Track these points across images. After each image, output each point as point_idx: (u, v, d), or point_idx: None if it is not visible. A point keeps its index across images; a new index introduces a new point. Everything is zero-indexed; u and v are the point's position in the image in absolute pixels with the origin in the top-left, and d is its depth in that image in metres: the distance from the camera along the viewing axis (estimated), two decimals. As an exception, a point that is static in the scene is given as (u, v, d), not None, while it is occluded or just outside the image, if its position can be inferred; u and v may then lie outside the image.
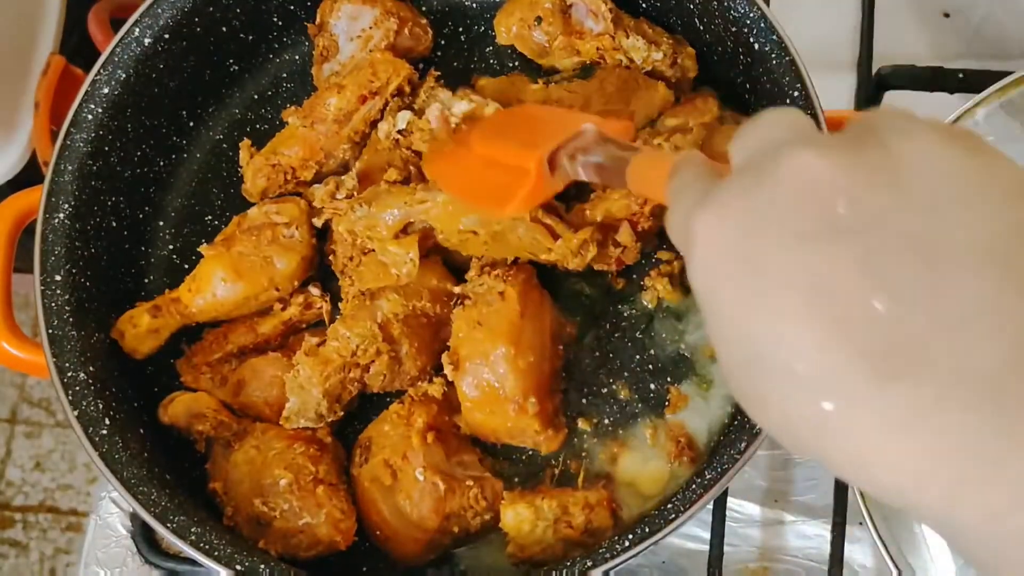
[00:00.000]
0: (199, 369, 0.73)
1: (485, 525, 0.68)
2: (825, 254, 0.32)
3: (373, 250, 0.71)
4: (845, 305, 0.32)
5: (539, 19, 0.77)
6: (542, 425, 0.68)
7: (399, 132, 0.74)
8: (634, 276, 0.74)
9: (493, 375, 0.67)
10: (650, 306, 0.73)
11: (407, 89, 0.77)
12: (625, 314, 0.74)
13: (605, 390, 0.72)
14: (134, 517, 0.79)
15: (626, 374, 0.72)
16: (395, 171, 0.73)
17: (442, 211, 0.69)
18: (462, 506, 0.67)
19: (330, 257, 0.74)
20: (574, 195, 0.72)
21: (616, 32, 0.75)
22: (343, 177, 0.75)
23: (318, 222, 0.74)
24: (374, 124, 0.77)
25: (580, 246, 0.68)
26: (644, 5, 0.78)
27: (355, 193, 0.73)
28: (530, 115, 0.70)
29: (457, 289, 0.71)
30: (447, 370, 0.68)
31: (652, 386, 0.72)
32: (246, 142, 0.79)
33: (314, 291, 0.74)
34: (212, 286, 0.71)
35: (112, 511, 0.80)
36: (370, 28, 0.78)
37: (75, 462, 1.64)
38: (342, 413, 0.70)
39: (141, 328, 0.72)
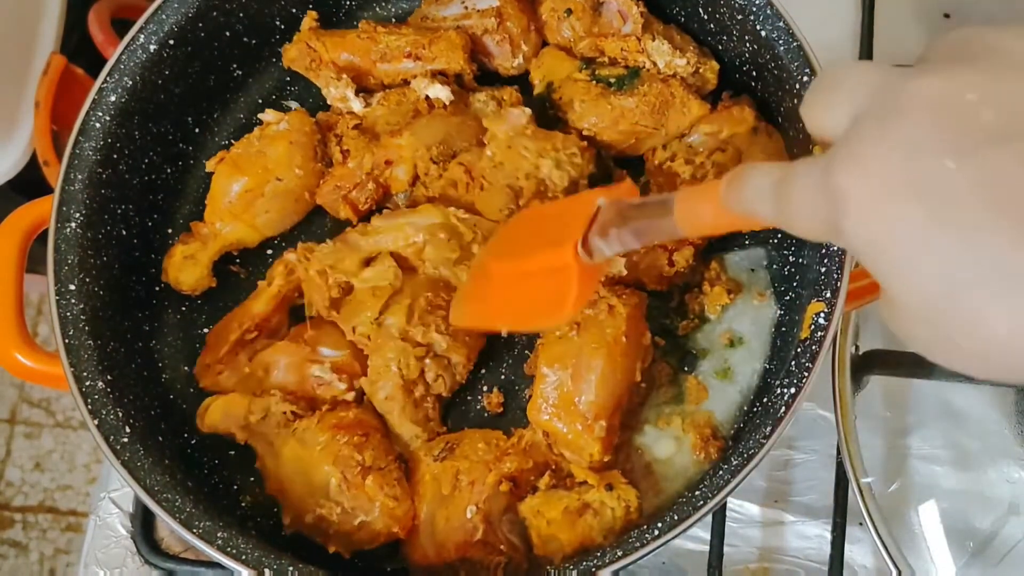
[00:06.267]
0: (214, 370, 0.73)
1: None
2: (994, 160, 0.33)
3: (350, 283, 0.72)
4: None
5: (569, 11, 0.76)
6: (602, 451, 0.66)
7: (426, 98, 0.76)
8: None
9: (575, 385, 0.66)
10: (710, 316, 0.73)
11: (450, 79, 0.77)
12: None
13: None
14: (134, 517, 0.78)
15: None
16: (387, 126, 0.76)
17: (399, 235, 0.71)
18: (482, 562, 0.65)
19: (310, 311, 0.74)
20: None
21: (643, 35, 0.74)
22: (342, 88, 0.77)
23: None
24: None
25: None
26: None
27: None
28: (536, 216, 0.67)
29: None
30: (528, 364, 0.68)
31: (674, 376, 0.72)
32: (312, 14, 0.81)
33: (290, 256, 0.73)
34: (220, 189, 0.75)
35: (112, 511, 0.80)
36: (479, 11, 0.78)
37: (74, 462, 1.64)
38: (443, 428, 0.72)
39: (176, 257, 0.75)
